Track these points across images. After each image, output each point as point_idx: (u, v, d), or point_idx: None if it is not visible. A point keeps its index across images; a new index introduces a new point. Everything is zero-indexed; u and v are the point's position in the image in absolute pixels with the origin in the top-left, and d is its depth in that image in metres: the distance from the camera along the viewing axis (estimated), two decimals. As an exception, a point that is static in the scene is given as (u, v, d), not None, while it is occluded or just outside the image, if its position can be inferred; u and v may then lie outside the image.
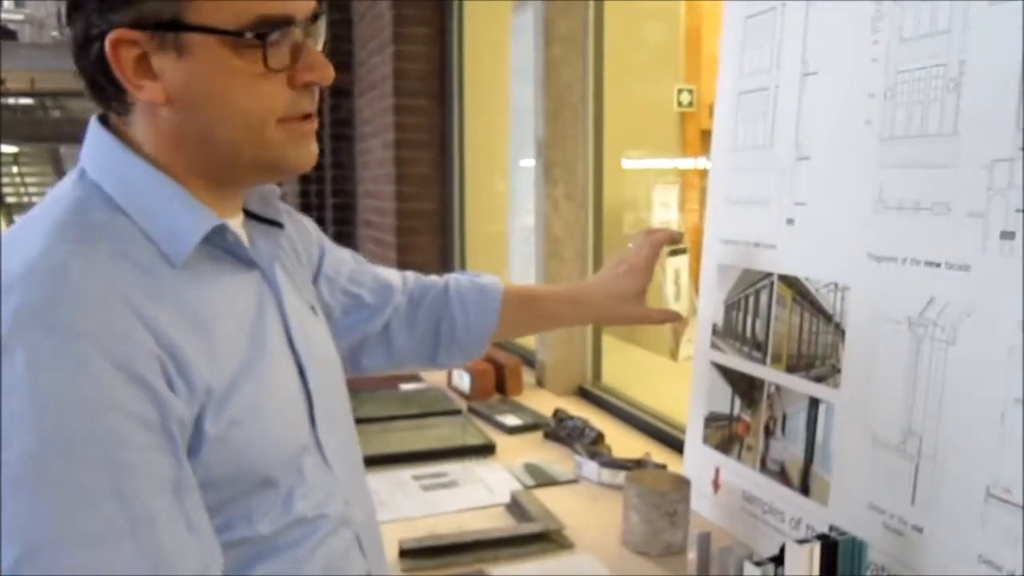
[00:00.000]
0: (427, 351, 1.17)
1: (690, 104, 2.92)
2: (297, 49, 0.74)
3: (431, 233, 3.29)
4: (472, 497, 1.41)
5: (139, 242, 0.72)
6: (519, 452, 1.63)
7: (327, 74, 0.77)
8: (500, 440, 1.68)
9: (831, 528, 0.93)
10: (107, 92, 0.73)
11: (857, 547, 0.90)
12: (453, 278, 1.21)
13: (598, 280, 1.22)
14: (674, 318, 1.24)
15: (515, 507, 1.34)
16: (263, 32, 0.71)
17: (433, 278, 1.20)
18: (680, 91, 2.91)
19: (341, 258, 1.10)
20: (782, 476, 1.12)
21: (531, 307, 1.22)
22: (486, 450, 1.62)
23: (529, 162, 2.21)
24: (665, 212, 2.78)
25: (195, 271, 0.74)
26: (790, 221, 1.11)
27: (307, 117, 0.78)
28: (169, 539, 0.65)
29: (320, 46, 0.78)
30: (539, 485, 1.45)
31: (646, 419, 1.77)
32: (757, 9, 1.19)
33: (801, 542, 0.88)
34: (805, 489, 1.08)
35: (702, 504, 1.27)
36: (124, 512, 0.63)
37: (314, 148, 0.80)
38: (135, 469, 0.64)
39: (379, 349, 1.14)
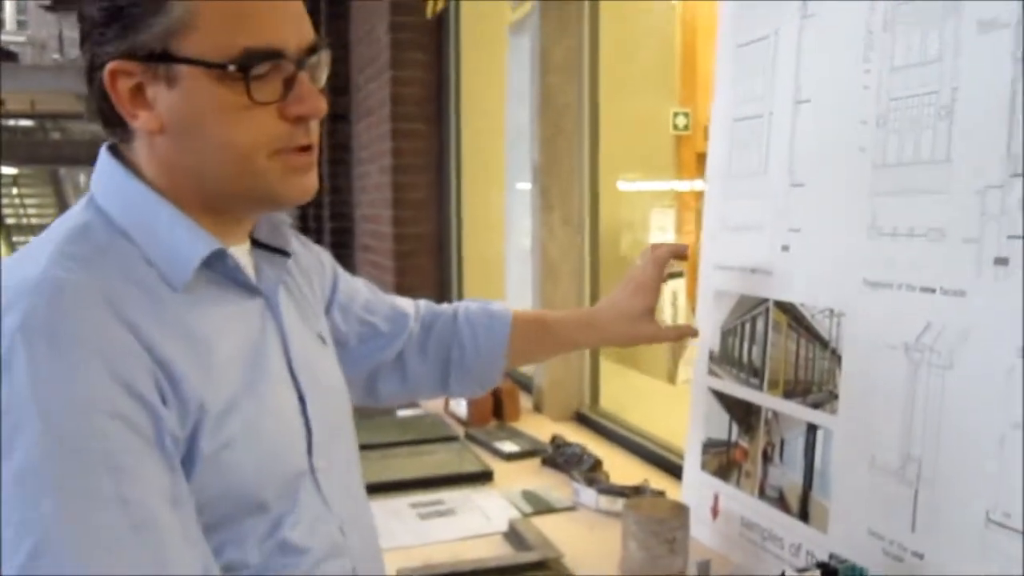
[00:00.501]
0: (439, 377, 1.18)
1: (686, 127, 2.94)
2: (290, 81, 0.75)
3: (428, 256, 3.30)
4: (469, 525, 1.40)
5: (140, 265, 0.73)
6: (517, 479, 1.62)
7: (317, 107, 0.77)
8: (497, 467, 1.67)
9: (831, 555, 0.93)
10: (111, 120, 0.76)
11: (857, 574, 0.90)
12: (463, 304, 1.22)
13: (607, 302, 1.21)
14: (690, 333, 1.23)
15: (513, 535, 1.34)
16: (247, 66, 0.72)
17: (445, 305, 1.21)
18: (676, 114, 2.93)
19: (355, 288, 1.11)
20: (781, 502, 1.11)
21: (543, 331, 1.21)
22: (483, 477, 1.62)
23: (526, 185, 2.22)
24: (662, 235, 2.79)
25: (196, 295, 0.75)
26: (785, 247, 1.11)
27: (304, 149, 0.78)
28: (170, 545, 0.66)
29: (320, 79, 0.78)
30: (537, 512, 1.45)
31: (644, 445, 1.76)
32: (750, 37, 1.20)
33: (801, 570, 0.88)
34: (804, 515, 1.07)
35: (701, 531, 1.26)
36: (127, 515, 0.64)
37: (311, 180, 0.79)
38: (135, 474, 0.66)
39: (394, 376, 1.15)
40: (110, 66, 0.72)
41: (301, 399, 0.83)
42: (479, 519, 1.43)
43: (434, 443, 1.82)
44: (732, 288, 1.21)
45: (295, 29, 0.76)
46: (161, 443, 0.68)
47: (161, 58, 0.72)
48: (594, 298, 2.10)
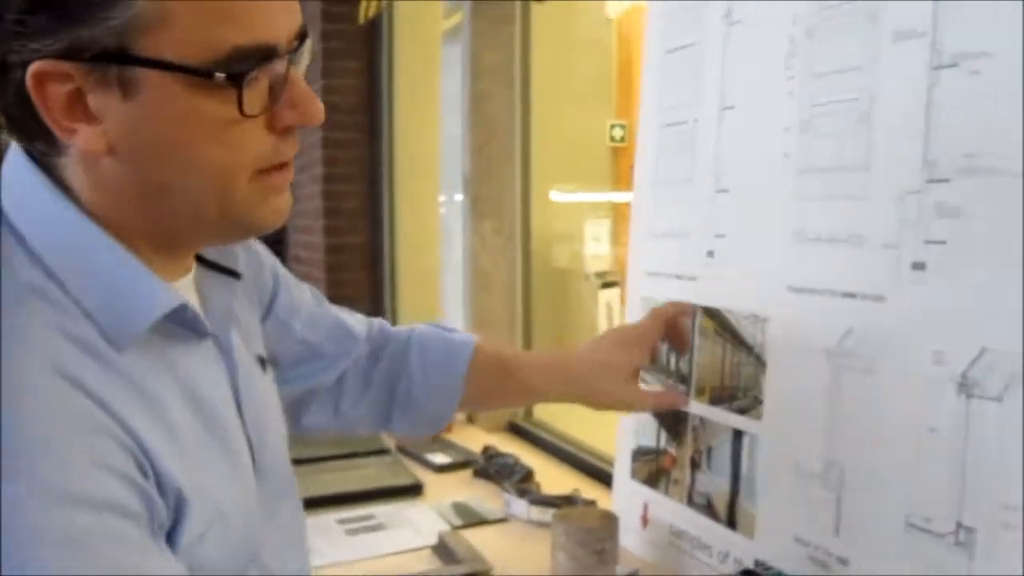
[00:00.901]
0: (379, 414, 1.01)
1: (622, 139, 2.96)
2: (278, 82, 0.60)
3: (361, 268, 3.25)
4: (398, 540, 1.37)
5: (75, 317, 0.58)
6: (448, 491, 1.59)
7: (314, 112, 0.63)
8: (429, 479, 1.64)
9: (756, 562, 0.92)
10: (30, 130, 0.59)
11: (782, 581, 0.89)
12: (420, 329, 1.04)
13: (585, 350, 1.03)
14: (679, 402, 1.10)
15: (442, 549, 1.31)
16: (239, 71, 0.57)
17: (400, 328, 1.05)
18: (613, 126, 2.94)
19: (299, 299, 0.95)
20: (709, 510, 1.11)
21: (505, 374, 1.03)
22: (414, 490, 1.59)
23: (461, 196, 2.21)
24: (597, 246, 2.79)
25: (141, 349, 0.61)
26: (710, 253, 1.11)
27: (284, 165, 0.64)
28: None
29: (302, 71, 0.64)
30: (467, 525, 1.42)
31: (577, 454, 1.75)
32: (677, 44, 1.20)
33: (726, 578, 0.87)
34: (732, 522, 1.07)
35: (631, 540, 1.25)
36: None
37: (287, 200, 0.66)
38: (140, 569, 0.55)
39: (325, 407, 0.99)
40: (36, 66, 0.55)
41: (253, 458, 0.71)
42: (408, 533, 1.39)
43: (364, 456, 1.78)
44: (659, 294, 1.21)
45: (288, 15, 0.60)
46: (153, 531, 0.56)
47: (117, 59, 0.55)
48: (527, 310, 2.09)
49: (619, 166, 3.03)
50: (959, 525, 0.79)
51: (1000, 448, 0.76)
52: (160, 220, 0.62)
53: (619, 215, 2.95)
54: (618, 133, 2.95)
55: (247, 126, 0.60)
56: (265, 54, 0.58)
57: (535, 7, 2.09)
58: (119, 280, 0.60)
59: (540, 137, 2.10)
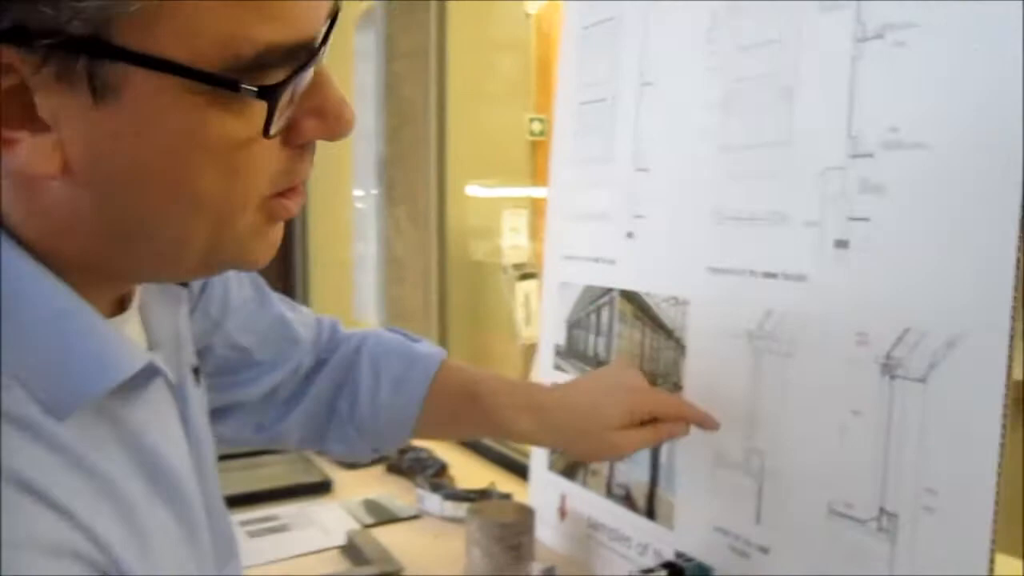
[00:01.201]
0: (313, 431, 0.86)
1: (542, 133, 2.93)
2: (303, 84, 0.46)
3: (273, 260, 3.14)
4: (304, 541, 1.29)
5: (2, 383, 0.44)
6: (359, 488, 1.53)
7: (346, 123, 0.48)
8: (339, 476, 1.57)
9: (677, 554, 0.89)
10: None
11: (703, 573, 0.86)
12: (377, 335, 0.89)
13: (572, 390, 0.88)
14: (677, 432, 0.92)
15: (351, 549, 1.24)
16: (274, 83, 0.42)
17: (353, 331, 0.90)
18: (532, 120, 2.91)
19: (235, 292, 0.79)
20: (628, 501, 1.07)
21: (471, 401, 0.87)
22: (322, 488, 1.51)
23: (375, 191, 2.14)
24: (515, 236, 2.76)
25: (83, 412, 0.46)
26: (630, 235, 1.07)
27: (292, 189, 0.50)
28: None
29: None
30: (379, 523, 1.36)
31: (493, 447, 1.70)
32: (595, 19, 1.16)
33: (646, 572, 0.83)
34: (651, 513, 1.03)
35: (548, 534, 1.21)
36: None
37: (280, 232, 0.52)
38: None
39: (248, 420, 0.83)
40: None
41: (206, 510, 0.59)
42: (315, 534, 1.32)
43: (271, 454, 1.69)
44: (576, 279, 1.16)
45: None
46: None
47: (87, 48, 0.39)
48: (442, 301, 2.03)
49: (538, 160, 3.00)
50: (881, 510, 0.77)
51: (923, 430, 0.74)
52: (119, 258, 0.47)
53: (537, 209, 2.92)
54: (537, 127, 2.92)
55: (262, 145, 0.45)
56: (305, 55, 0.43)
57: (451, 4, 2.04)
58: (63, 338, 0.46)
59: (456, 130, 2.05)
